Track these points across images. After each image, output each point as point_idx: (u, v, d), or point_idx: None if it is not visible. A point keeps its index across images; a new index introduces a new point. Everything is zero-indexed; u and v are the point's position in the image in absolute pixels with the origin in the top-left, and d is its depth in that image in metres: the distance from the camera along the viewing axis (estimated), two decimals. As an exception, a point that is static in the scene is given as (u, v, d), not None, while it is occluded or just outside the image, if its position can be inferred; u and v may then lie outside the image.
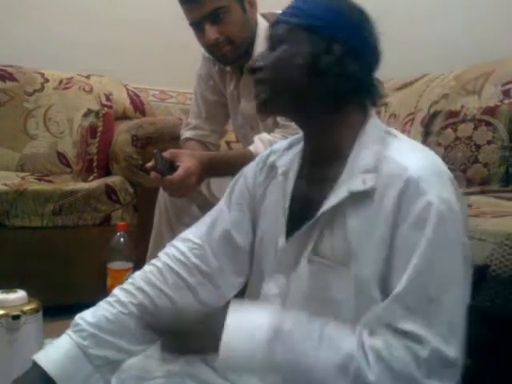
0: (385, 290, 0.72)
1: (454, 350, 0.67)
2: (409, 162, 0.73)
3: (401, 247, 0.70)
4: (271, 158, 0.93)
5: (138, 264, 1.46)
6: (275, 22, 0.83)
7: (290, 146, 0.92)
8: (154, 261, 0.93)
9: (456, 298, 0.70)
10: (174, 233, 1.46)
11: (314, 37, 0.78)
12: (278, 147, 0.95)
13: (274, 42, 0.82)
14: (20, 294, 1.04)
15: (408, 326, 0.67)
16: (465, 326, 0.70)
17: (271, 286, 0.85)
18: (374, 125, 0.81)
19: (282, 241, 0.84)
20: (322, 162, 0.82)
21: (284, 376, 0.70)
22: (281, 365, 0.70)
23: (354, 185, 0.75)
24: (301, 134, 0.91)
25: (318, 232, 0.79)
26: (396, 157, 0.75)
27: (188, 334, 0.78)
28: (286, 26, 0.80)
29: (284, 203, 0.85)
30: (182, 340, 0.78)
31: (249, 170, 0.97)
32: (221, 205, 0.96)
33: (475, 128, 1.57)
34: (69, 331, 0.84)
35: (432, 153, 0.78)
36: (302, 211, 0.82)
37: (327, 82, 0.77)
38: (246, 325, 0.72)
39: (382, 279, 0.72)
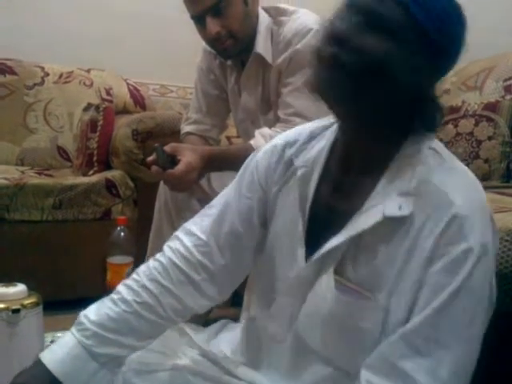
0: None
1: None
2: (455, 196, 0.67)
3: (428, 285, 0.67)
4: (288, 152, 0.84)
5: (138, 258, 1.46)
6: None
7: (310, 139, 0.83)
8: (158, 255, 0.90)
9: (467, 345, 0.67)
10: (174, 227, 1.45)
11: (436, 62, 0.69)
12: (294, 138, 0.85)
13: (375, 21, 0.66)
14: (20, 288, 1.04)
15: (409, 366, 0.66)
16: (470, 372, 0.68)
17: (288, 300, 0.82)
18: (415, 137, 0.72)
19: (301, 252, 0.78)
20: (356, 171, 0.75)
21: None
22: None
23: (389, 208, 0.69)
24: (323, 123, 0.84)
25: (341, 251, 0.74)
26: (441, 185, 0.68)
27: None
28: (408, 15, 0.65)
29: (303, 209, 0.79)
30: None
31: (261, 160, 0.87)
32: (228, 197, 0.90)
33: (476, 124, 1.57)
34: (73, 329, 0.83)
35: (475, 180, 0.73)
36: (324, 220, 0.77)
37: (423, 108, 0.71)
38: None
39: (409, 314, 0.69)
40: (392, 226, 0.69)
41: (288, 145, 0.85)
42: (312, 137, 0.83)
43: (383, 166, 0.72)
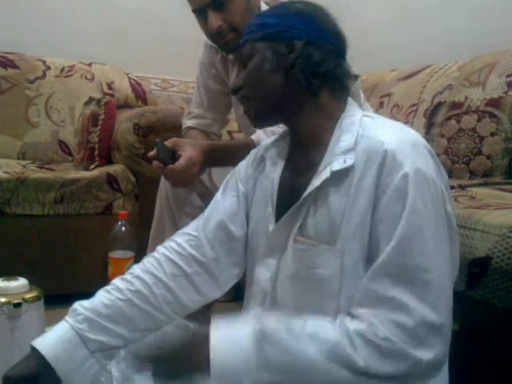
0: (370, 264, 0.74)
1: (440, 315, 0.69)
2: (384, 137, 0.76)
3: (383, 219, 0.73)
4: (261, 151, 0.97)
5: (139, 253, 1.47)
6: (241, 45, 0.90)
7: (279, 139, 0.96)
8: (152, 253, 0.95)
9: (441, 263, 0.71)
10: (175, 222, 1.46)
11: (274, 42, 0.84)
12: (267, 141, 0.99)
13: (244, 61, 0.89)
14: (21, 282, 1.04)
15: (393, 293, 0.69)
16: (451, 291, 0.72)
17: (263, 271, 0.88)
18: (352, 110, 0.85)
19: (271, 227, 0.87)
20: (305, 150, 0.86)
21: (278, 376, 0.72)
22: (272, 367, 0.72)
23: (334, 165, 0.78)
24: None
25: (303, 214, 0.82)
26: (372, 134, 0.78)
27: (176, 358, 0.84)
28: (248, 43, 0.88)
29: (272, 191, 0.89)
30: (171, 365, 0.84)
31: (241, 164, 1.01)
32: (216, 198, 1.00)
33: (479, 119, 1.57)
34: (66, 317, 0.85)
35: (408, 127, 0.82)
36: (288, 197, 0.85)
37: (298, 75, 0.83)
38: (231, 338, 0.74)
39: (367, 254, 0.74)
40: (339, 179, 0.78)
41: (261, 146, 0.99)
42: (280, 138, 0.96)
43: (327, 139, 0.83)
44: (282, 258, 0.85)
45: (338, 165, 0.78)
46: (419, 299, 0.68)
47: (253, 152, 1.01)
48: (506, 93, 1.61)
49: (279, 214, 0.86)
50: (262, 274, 0.88)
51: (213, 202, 0.99)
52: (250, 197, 0.96)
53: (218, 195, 1.00)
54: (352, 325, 0.70)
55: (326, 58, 0.83)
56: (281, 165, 0.90)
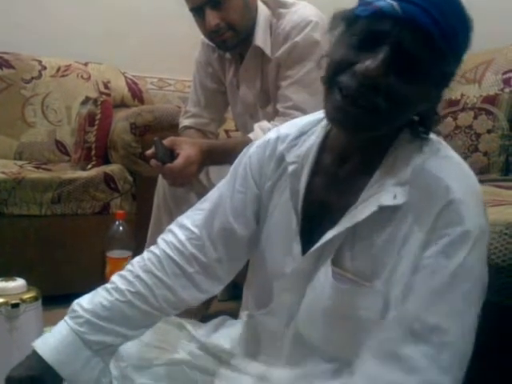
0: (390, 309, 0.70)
1: (451, 380, 0.65)
2: (450, 181, 0.68)
3: (424, 268, 0.67)
4: (280, 147, 0.84)
5: (137, 252, 1.46)
6: (412, 18, 0.64)
7: (300, 134, 0.84)
8: (152, 248, 0.91)
9: (465, 328, 0.67)
10: (173, 221, 1.45)
11: (449, 79, 0.73)
12: (285, 133, 0.85)
13: (409, 59, 0.65)
14: (19, 283, 1.04)
15: (407, 350, 0.66)
16: (469, 354, 0.68)
17: (286, 296, 0.82)
18: (408, 130, 0.74)
19: (297, 248, 0.79)
20: (353, 165, 0.77)
21: None
22: None
23: (384, 199, 0.70)
24: (313, 118, 0.85)
25: (338, 243, 0.75)
26: (436, 172, 0.70)
27: None
28: (431, 50, 0.66)
29: (295, 205, 0.80)
30: None
31: (254, 155, 0.88)
32: (222, 191, 0.90)
33: (475, 117, 1.57)
34: (66, 317, 0.84)
35: (468, 167, 0.73)
36: (318, 215, 0.78)
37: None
38: None
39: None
40: (387, 214, 0.70)
41: (280, 140, 0.85)
42: (302, 132, 0.84)
43: (379, 158, 0.73)
44: (310, 284, 0.78)
45: (387, 199, 0.70)
46: (432, 361, 0.65)
47: (268, 143, 0.87)
48: (502, 90, 1.61)
49: (304, 226, 0.79)
50: (286, 297, 0.82)
51: (218, 196, 0.90)
52: (267, 200, 0.86)
53: (225, 189, 0.90)
54: None
55: None
56: (307, 171, 0.79)
